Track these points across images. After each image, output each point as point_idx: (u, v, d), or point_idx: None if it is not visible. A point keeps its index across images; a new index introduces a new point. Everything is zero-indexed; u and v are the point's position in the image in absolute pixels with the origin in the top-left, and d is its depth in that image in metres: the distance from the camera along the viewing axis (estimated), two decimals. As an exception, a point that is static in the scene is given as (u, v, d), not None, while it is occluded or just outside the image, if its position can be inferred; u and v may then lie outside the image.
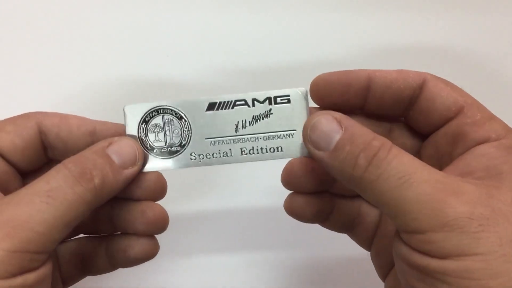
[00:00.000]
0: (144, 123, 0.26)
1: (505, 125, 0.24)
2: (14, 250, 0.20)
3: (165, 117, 0.26)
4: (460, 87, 0.25)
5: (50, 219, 0.21)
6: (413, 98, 0.25)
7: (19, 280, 0.21)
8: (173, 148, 0.26)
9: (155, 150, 0.26)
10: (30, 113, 0.27)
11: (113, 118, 0.28)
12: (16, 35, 0.42)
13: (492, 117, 0.24)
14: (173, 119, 0.26)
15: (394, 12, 0.45)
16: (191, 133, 0.26)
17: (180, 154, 0.27)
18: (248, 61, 0.43)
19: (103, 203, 0.24)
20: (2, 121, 0.26)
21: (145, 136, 0.27)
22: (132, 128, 0.26)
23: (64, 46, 0.42)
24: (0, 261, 0.20)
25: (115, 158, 0.24)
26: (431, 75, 0.25)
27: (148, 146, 0.27)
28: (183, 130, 0.26)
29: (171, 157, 0.27)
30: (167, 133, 0.26)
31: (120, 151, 0.25)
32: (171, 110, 0.26)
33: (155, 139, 0.26)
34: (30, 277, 0.21)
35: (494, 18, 0.46)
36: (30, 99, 0.41)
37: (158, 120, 0.26)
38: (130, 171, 0.25)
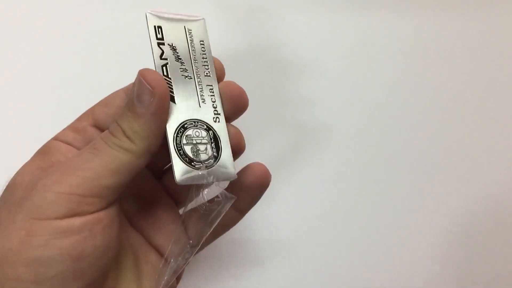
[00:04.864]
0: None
1: None
2: (63, 192, 0.23)
3: None
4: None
5: (95, 166, 0.24)
6: None
7: (65, 222, 0.22)
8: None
9: None
10: None
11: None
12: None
13: None
14: None
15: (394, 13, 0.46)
16: None
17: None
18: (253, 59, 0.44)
19: (155, 146, 0.25)
20: None
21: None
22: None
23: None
24: (50, 201, 0.22)
25: (136, 102, 0.24)
26: None
27: None
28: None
29: None
30: None
31: (136, 91, 0.24)
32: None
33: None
34: (76, 221, 0.23)
35: (495, 19, 0.47)
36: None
37: None
38: (152, 107, 0.24)
